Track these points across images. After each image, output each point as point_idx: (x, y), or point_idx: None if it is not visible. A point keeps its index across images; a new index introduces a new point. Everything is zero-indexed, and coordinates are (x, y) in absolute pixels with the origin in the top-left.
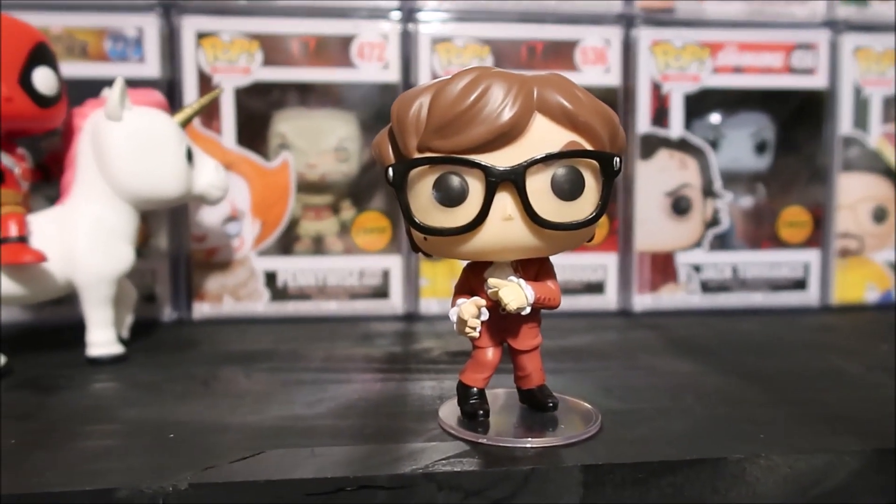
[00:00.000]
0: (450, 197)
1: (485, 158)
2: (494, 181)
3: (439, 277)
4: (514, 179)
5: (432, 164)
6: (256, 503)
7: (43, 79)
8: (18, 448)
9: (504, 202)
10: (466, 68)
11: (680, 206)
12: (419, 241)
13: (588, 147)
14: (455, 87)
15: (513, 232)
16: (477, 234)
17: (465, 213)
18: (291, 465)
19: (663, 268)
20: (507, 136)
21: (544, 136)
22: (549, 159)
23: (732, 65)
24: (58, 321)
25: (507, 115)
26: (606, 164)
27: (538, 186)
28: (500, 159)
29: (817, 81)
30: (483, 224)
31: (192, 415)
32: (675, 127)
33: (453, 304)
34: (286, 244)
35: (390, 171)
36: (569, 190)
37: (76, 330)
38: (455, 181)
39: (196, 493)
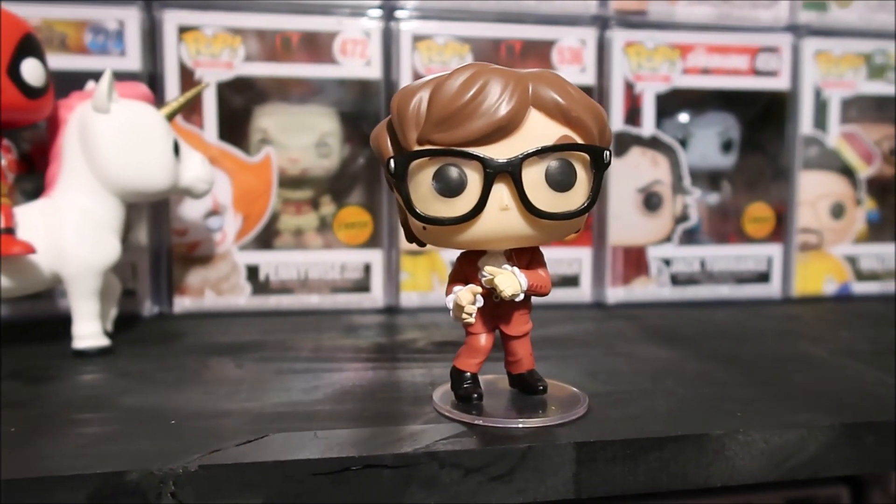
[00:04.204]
0: (449, 188)
1: (483, 151)
2: (492, 173)
3: (419, 271)
4: (511, 171)
5: (433, 157)
6: (265, 483)
7: (31, 70)
8: (19, 435)
9: (501, 193)
10: (465, 64)
11: (651, 202)
12: (417, 230)
13: (580, 141)
14: (454, 83)
15: (509, 221)
16: (475, 223)
17: (463, 204)
18: (297, 447)
19: (635, 261)
20: (504, 129)
21: (539, 129)
22: (543, 152)
23: (701, 66)
24: (36, 316)
25: (504, 109)
26: (597, 156)
27: (533, 178)
28: (497, 152)
29: (780, 83)
30: (481, 214)
31: (189, 402)
32: (647, 125)
33: (448, 293)
34: (266, 239)
35: (392, 162)
36: (562, 181)
37: (55, 324)
38: (454, 173)
39: (206, 474)
